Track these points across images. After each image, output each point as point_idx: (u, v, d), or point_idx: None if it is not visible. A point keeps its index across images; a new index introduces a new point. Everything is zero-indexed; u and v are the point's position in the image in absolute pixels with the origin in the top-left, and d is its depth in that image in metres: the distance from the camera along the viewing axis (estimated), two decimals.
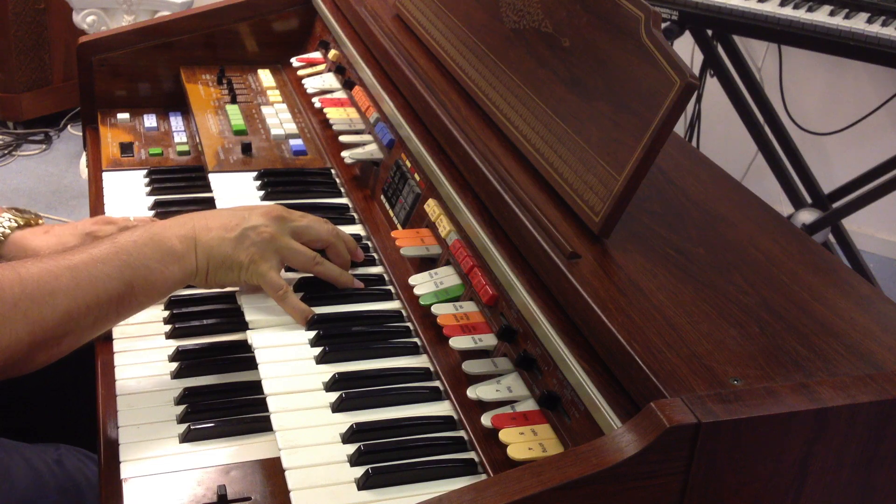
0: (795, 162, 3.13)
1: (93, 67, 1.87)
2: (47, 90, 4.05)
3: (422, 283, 1.27)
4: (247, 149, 1.67)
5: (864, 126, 3.27)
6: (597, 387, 0.97)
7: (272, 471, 1.08)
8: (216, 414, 1.15)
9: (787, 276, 1.11)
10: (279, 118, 1.78)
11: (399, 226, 1.44)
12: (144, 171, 1.69)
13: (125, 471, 1.07)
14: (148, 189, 1.65)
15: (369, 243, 1.46)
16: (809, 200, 3.13)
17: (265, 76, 1.94)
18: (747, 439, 0.88)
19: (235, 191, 1.56)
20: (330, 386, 1.16)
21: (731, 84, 3.08)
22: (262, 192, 1.56)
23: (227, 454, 1.10)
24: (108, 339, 1.27)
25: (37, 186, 3.74)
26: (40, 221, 1.44)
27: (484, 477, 1.05)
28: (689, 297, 1.04)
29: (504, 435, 1.02)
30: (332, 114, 1.68)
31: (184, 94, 1.88)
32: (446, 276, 1.27)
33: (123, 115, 1.86)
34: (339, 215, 1.53)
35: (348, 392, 1.14)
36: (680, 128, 3.54)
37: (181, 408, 1.16)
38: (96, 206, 1.61)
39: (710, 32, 3.04)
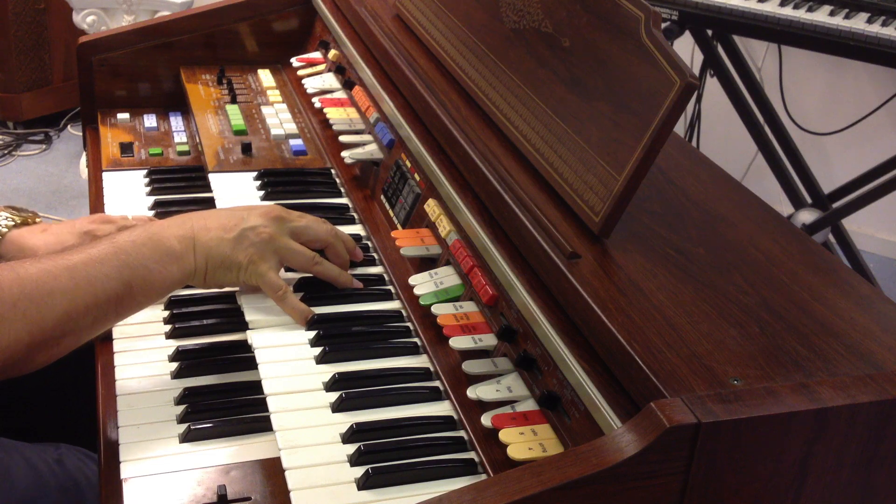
0: (795, 162, 3.13)
1: (93, 67, 1.87)
2: (47, 90, 4.05)
3: (422, 283, 1.27)
4: (247, 149, 1.67)
5: (864, 126, 3.28)
6: (597, 387, 0.97)
7: (272, 471, 1.08)
8: (216, 414, 1.15)
9: (787, 276, 1.11)
10: (279, 118, 1.78)
11: (399, 226, 1.44)
12: (144, 171, 1.69)
13: (125, 471, 1.07)
14: (148, 189, 1.65)
15: (369, 243, 1.46)
16: (809, 200, 3.13)
17: (265, 76, 1.94)
18: (747, 439, 0.88)
19: (235, 191, 1.56)
20: (330, 386, 1.16)
21: (731, 84, 3.08)
22: (262, 192, 1.56)
23: (227, 454, 1.10)
24: (108, 339, 1.27)
25: (37, 186, 3.75)
26: (37, 220, 1.44)
27: (484, 477, 1.05)
28: (689, 297, 1.04)
29: (504, 435, 1.02)
30: (332, 114, 1.68)
31: (184, 94, 1.88)
32: (446, 276, 1.27)
33: (123, 115, 1.86)
34: (339, 215, 1.53)
35: (348, 392, 1.14)
36: (680, 128, 3.55)
37: (181, 408, 1.16)
38: (96, 206, 1.61)
39: (710, 32, 3.04)
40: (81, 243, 1.31)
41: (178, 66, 1.93)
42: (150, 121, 1.86)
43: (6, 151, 3.95)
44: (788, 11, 2.56)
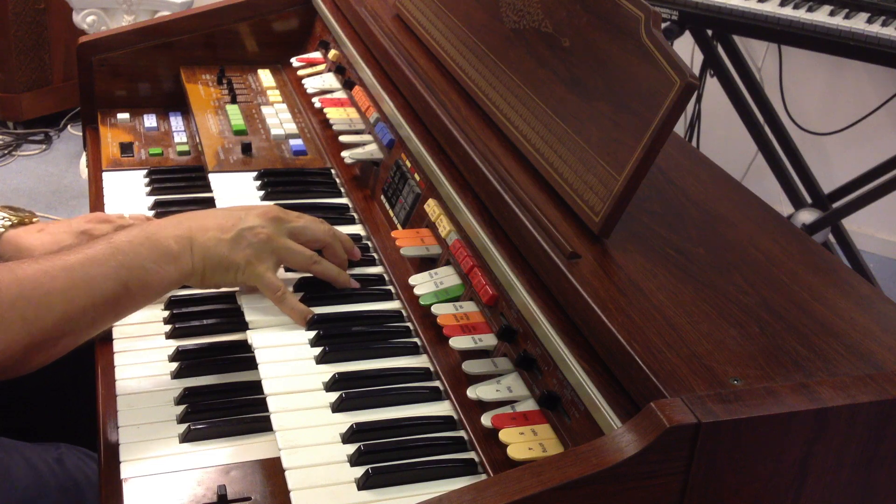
0: (795, 162, 3.13)
1: (93, 67, 1.87)
2: (47, 90, 4.05)
3: (422, 283, 1.27)
4: (247, 149, 1.67)
5: (864, 126, 3.28)
6: (597, 387, 0.97)
7: (272, 471, 1.07)
8: (216, 414, 1.15)
9: (787, 276, 1.11)
10: (279, 118, 1.78)
11: (399, 226, 1.44)
12: (144, 171, 1.69)
13: (125, 471, 1.07)
14: (148, 189, 1.65)
15: (369, 243, 1.46)
16: (809, 200, 3.13)
17: (265, 76, 1.94)
18: (747, 439, 0.88)
19: (235, 191, 1.56)
20: (330, 386, 1.16)
21: (731, 84, 3.08)
22: (262, 192, 1.56)
23: (227, 454, 1.10)
24: (108, 339, 1.27)
25: (37, 186, 3.75)
26: (34, 220, 1.44)
27: (484, 477, 1.05)
28: (689, 297, 1.04)
29: (504, 435, 1.02)
30: (332, 114, 1.68)
31: (184, 94, 1.88)
32: (446, 276, 1.27)
33: (123, 115, 1.86)
34: (339, 215, 1.53)
35: (348, 392, 1.14)
36: (680, 128, 3.55)
37: (181, 408, 1.16)
38: (96, 207, 1.61)
39: (710, 32, 3.04)
40: (79, 243, 1.31)
41: (178, 66, 1.93)
42: (150, 121, 1.86)
43: (6, 151, 3.95)
44: (788, 11, 2.56)
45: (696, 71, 3.19)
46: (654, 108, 1.08)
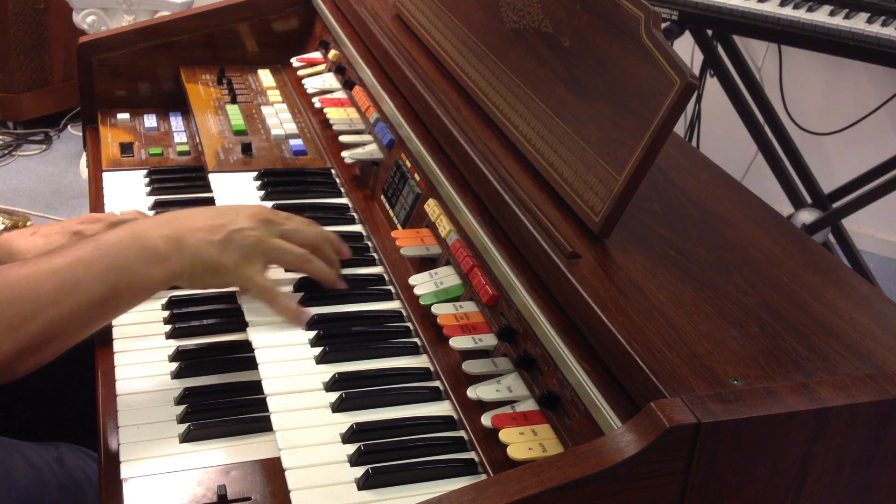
0: (795, 162, 3.13)
1: (93, 67, 1.87)
2: (47, 90, 4.05)
3: (422, 283, 1.27)
4: (247, 149, 1.67)
5: (864, 126, 3.28)
6: (597, 387, 0.97)
7: (272, 471, 1.07)
8: (216, 414, 1.15)
9: (787, 276, 1.11)
10: (279, 118, 1.78)
11: (399, 226, 1.44)
12: (144, 171, 1.69)
13: (125, 471, 1.07)
14: (148, 189, 1.65)
15: (369, 243, 1.46)
16: (809, 200, 3.13)
17: (265, 76, 1.94)
18: (747, 439, 0.88)
19: (235, 191, 1.56)
20: (330, 386, 1.16)
21: (731, 84, 3.08)
22: (262, 192, 1.56)
23: (227, 454, 1.10)
24: (108, 339, 1.27)
25: (37, 186, 3.75)
26: (28, 223, 1.44)
27: (484, 477, 1.05)
28: (689, 297, 1.04)
29: (504, 435, 1.02)
30: (332, 114, 1.68)
31: (184, 94, 1.88)
32: (446, 276, 1.27)
33: (123, 115, 1.86)
34: (339, 215, 1.53)
35: (348, 392, 1.14)
36: (680, 128, 3.55)
37: (181, 408, 1.16)
38: (96, 207, 1.61)
39: (710, 32, 3.04)
40: (70, 244, 1.31)
41: (178, 66, 1.93)
42: (150, 121, 1.86)
43: (6, 151, 3.95)
44: (788, 11, 2.56)
45: (696, 71, 3.19)
46: (654, 108, 1.08)
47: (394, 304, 1.32)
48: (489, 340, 1.16)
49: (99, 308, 1.14)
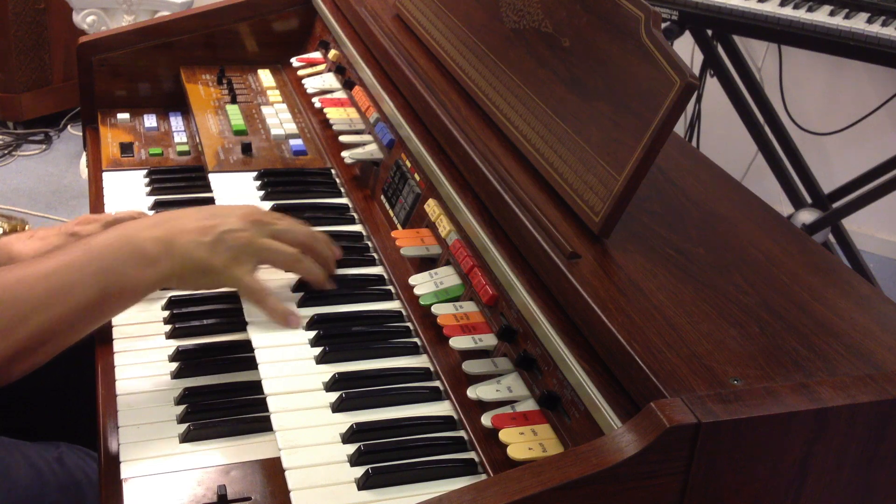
0: (795, 162, 3.13)
1: (93, 67, 1.87)
2: (47, 90, 4.05)
3: (422, 283, 1.27)
4: (247, 149, 1.67)
5: (864, 126, 3.28)
6: (597, 387, 0.97)
7: (272, 471, 1.07)
8: (216, 414, 1.15)
9: (787, 276, 1.11)
10: (279, 118, 1.78)
11: (399, 226, 1.44)
12: (144, 171, 1.69)
13: (125, 471, 1.07)
14: (148, 189, 1.65)
15: (369, 243, 1.46)
16: (809, 200, 3.13)
17: (265, 76, 1.94)
18: (747, 439, 0.88)
19: (235, 191, 1.56)
20: (330, 386, 1.16)
21: (731, 84, 3.08)
22: (261, 192, 1.56)
23: (227, 454, 1.10)
24: (108, 339, 1.27)
25: (37, 186, 3.74)
26: (26, 227, 1.44)
27: (484, 477, 1.05)
28: (689, 297, 1.04)
29: (504, 435, 1.02)
30: (332, 114, 1.68)
31: (184, 94, 1.88)
32: (446, 276, 1.27)
33: (123, 115, 1.86)
34: (339, 215, 1.53)
35: (348, 392, 1.14)
36: (680, 128, 3.55)
37: (181, 408, 1.16)
38: (96, 207, 1.61)
39: (710, 32, 3.04)
40: (65, 244, 1.31)
41: (178, 66, 1.93)
42: (150, 121, 1.86)
43: (6, 151, 3.95)
44: (788, 11, 2.56)
45: (696, 71, 3.19)
46: (654, 108, 1.08)
47: (394, 304, 1.32)
48: (489, 340, 1.16)
49: (90, 310, 1.14)
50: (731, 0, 2.62)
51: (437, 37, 1.57)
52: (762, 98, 3.12)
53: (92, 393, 1.21)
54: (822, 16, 2.52)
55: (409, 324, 1.28)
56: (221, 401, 1.17)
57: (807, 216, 2.99)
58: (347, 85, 1.72)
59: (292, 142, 1.71)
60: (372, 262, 1.41)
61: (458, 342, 1.15)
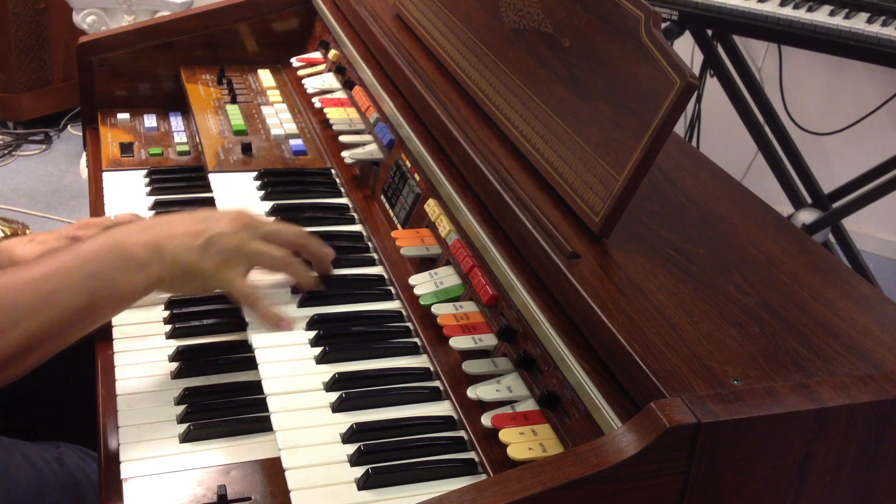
0: (795, 162, 3.13)
1: (93, 67, 1.87)
2: (47, 90, 4.05)
3: (422, 283, 1.27)
4: (247, 149, 1.67)
5: (864, 126, 3.28)
6: (597, 387, 0.97)
7: (272, 471, 1.08)
8: (216, 414, 1.15)
9: (787, 276, 1.11)
10: (279, 118, 1.78)
11: (399, 226, 1.44)
12: (144, 171, 1.69)
13: (125, 471, 1.07)
14: (148, 189, 1.65)
15: (369, 243, 1.46)
16: (809, 200, 3.13)
17: (265, 76, 1.94)
18: (747, 439, 0.88)
19: (235, 191, 1.56)
20: (330, 386, 1.16)
21: (731, 84, 3.08)
22: (261, 192, 1.56)
23: (227, 454, 1.10)
24: (108, 339, 1.27)
25: (37, 186, 3.74)
26: (27, 231, 1.44)
27: (484, 477, 1.05)
28: (689, 297, 1.04)
29: (504, 435, 1.02)
30: (332, 114, 1.68)
31: (184, 94, 1.88)
32: (446, 276, 1.27)
33: (123, 115, 1.86)
34: (339, 215, 1.53)
35: (348, 392, 1.14)
36: (680, 128, 3.55)
37: (181, 408, 1.16)
38: (96, 206, 1.61)
39: (710, 32, 3.04)
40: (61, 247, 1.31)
41: (178, 66, 1.93)
42: (150, 121, 1.86)
43: (6, 151, 3.95)
44: (788, 11, 2.56)
45: (696, 71, 3.19)
46: (654, 108, 1.08)
47: (394, 304, 1.32)
48: (489, 340, 1.16)
49: (79, 316, 1.13)
50: (731, 0, 2.62)
51: (437, 37, 1.57)
52: (762, 98, 3.12)
53: (92, 393, 1.21)
54: (822, 16, 2.52)
55: (409, 324, 1.28)
56: (221, 401, 1.17)
57: (807, 216, 2.99)
58: (347, 85, 1.72)
59: (292, 142, 1.71)
60: (372, 262, 1.41)
61: (458, 342, 1.15)
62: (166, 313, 1.32)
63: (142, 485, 1.05)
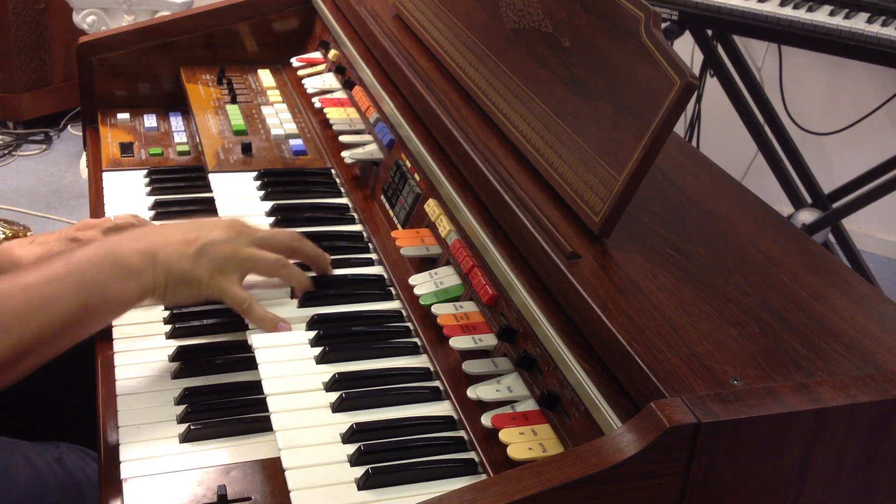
0: (795, 162, 3.13)
1: (93, 67, 1.87)
2: (47, 90, 4.05)
3: (422, 283, 1.27)
4: (247, 149, 1.67)
5: (864, 126, 3.28)
6: (597, 387, 0.97)
7: (272, 471, 1.08)
8: (216, 414, 1.15)
9: (787, 276, 1.11)
10: (279, 118, 1.78)
11: (399, 226, 1.44)
12: (144, 171, 1.69)
13: (125, 471, 1.07)
14: (148, 189, 1.65)
15: (369, 243, 1.46)
16: (809, 200, 3.13)
17: (265, 76, 1.94)
18: (747, 439, 0.88)
19: (235, 191, 1.56)
20: (330, 386, 1.16)
21: (731, 84, 3.08)
22: (261, 192, 1.56)
23: (227, 454, 1.10)
24: (108, 339, 1.27)
25: (37, 186, 3.74)
26: (28, 233, 1.44)
27: (484, 477, 1.05)
28: (689, 297, 1.04)
29: (504, 435, 1.02)
30: (332, 114, 1.68)
31: (184, 94, 1.88)
32: (446, 276, 1.27)
33: (123, 115, 1.86)
34: (339, 215, 1.53)
35: (348, 392, 1.14)
36: (680, 128, 3.55)
37: (181, 408, 1.16)
38: (96, 207, 1.61)
39: (710, 32, 3.04)
40: (68, 250, 1.31)
41: (178, 66, 1.93)
42: (150, 121, 1.86)
43: (6, 151, 3.95)
44: (788, 11, 2.56)
45: (696, 71, 3.19)
46: (654, 108, 1.08)
47: (394, 304, 1.32)
48: (489, 340, 1.16)
49: (72, 323, 1.13)
50: (731, 0, 2.62)
51: (437, 37, 1.57)
52: (762, 98, 3.12)
53: (92, 393, 1.21)
54: (822, 16, 2.52)
55: (409, 324, 1.28)
56: (221, 401, 1.17)
57: (807, 216, 2.99)
58: (347, 85, 1.72)
59: (292, 142, 1.71)
60: (372, 262, 1.41)
61: (458, 342, 1.15)
62: (166, 313, 1.32)
63: (142, 485, 1.05)
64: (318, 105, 1.72)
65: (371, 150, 1.57)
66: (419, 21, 1.64)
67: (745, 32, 2.74)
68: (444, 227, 1.32)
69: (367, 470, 1.02)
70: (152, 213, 1.57)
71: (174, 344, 1.26)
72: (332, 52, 1.83)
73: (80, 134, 3.60)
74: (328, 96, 1.74)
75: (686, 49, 3.32)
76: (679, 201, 1.26)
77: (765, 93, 3.15)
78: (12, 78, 3.92)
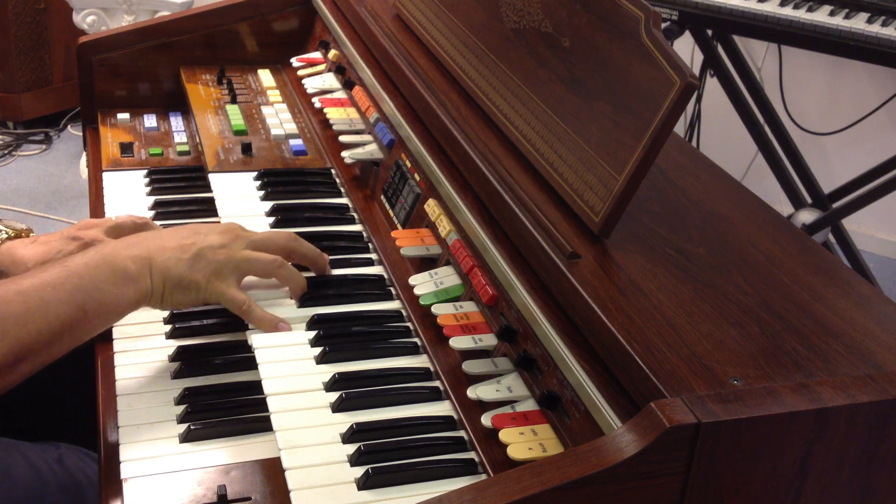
0: (795, 162, 3.13)
1: (93, 67, 1.87)
2: (47, 90, 4.05)
3: (422, 283, 1.27)
4: (247, 149, 1.67)
5: (864, 126, 3.28)
6: (597, 387, 0.97)
7: (272, 471, 1.08)
8: (216, 414, 1.15)
9: (787, 276, 1.11)
10: (279, 118, 1.78)
11: (399, 226, 1.44)
12: (144, 171, 1.69)
13: (125, 471, 1.07)
14: (148, 189, 1.65)
15: (369, 243, 1.46)
16: (809, 200, 3.13)
17: (265, 76, 1.94)
18: (747, 439, 0.88)
19: (235, 191, 1.56)
20: (330, 386, 1.16)
21: (731, 84, 3.08)
22: (261, 192, 1.56)
23: (227, 454, 1.10)
24: (108, 339, 1.27)
25: (37, 186, 3.74)
26: (31, 234, 1.44)
27: (484, 477, 1.05)
28: (689, 297, 1.04)
29: (504, 435, 1.02)
30: (332, 114, 1.68)
31: (184, 94, 1.88)
32: (446, 276, 1.27)
33: (123, 115, 1.86)
34: (339, 215, 1.53)
35: (348, 392, 1.14)
36: (680, 128, 3.55)
37: (181, 408, 1.16)
38: (96, 207, 1.61)
39: (710, 32, 3.04)
40: (70, 250, 1.31)
41: (178, 66, 1.93)
42: (150, 121, 1.86)
43: (6, 151, 3.95)
44: (788, 11, 2.56)
45: (696, 71, 3.19)
46: (654, 108, 1.08)
47: (394, 304, 1.33)
48: (489, 340, 1.16)
49: (68, 329, 1.13)
50: (731, 0, 2.62)
51: (437, 37, 1.57)
52: (762, 98, 3.12)
53: (92, 393, 1.21)
54: (822, 16, 2.52)
55: (409, 324, 1.28)
56: (221, 401, 1.17)
57: (807, 216, 2.99)
58: (347, 85, 1.72)
59: (292, 142, 1.71)
60: (372, 262, 1.41)
61: (458, 342, 1.15)
62: (166, 313, 1.32)
63: (142, 485, 1.05)
64: (318, 105, 1.72)
65: (371, 150, 1.57)
66: (419, 21, 1.64)
67: (745, 32, 2.74)
68: (444, 227, 1.32)
69: (367, 470, 1.02)
70: (152, 213, 1.57)
71: (174, 344, 1.26)
72: (332, 52, 1.83)
73: (80, 134, 3.60)
74: (328, 96, 1.74)
75: (686, 49, 3.32)
76: (679, 201, 1.26)
77: (765, 93, 3.15)
78: (12, 78, 3.92)
